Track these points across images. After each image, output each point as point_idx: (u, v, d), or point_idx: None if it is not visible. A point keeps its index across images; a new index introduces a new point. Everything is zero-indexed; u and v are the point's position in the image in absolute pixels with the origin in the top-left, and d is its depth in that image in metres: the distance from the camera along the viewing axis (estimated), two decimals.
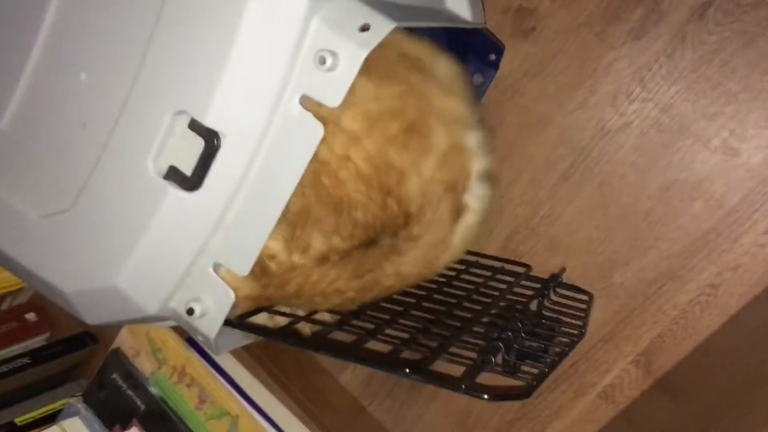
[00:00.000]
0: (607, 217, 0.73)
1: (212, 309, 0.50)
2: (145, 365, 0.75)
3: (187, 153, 0.46)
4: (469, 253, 0.76)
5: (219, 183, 0.47)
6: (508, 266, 0.75)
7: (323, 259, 0.52)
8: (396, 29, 0.44)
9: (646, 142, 0.70)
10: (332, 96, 0.44)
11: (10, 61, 0.50)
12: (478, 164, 0.55)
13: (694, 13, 0.67)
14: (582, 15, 0.72)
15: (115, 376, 0.74)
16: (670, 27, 0.68)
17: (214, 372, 0.73)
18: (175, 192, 0.47)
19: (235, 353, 0.75)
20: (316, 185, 0.47)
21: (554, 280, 0.72)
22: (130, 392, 0.73)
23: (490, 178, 0.57)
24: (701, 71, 0.67)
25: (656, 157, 0.70)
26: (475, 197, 0.55)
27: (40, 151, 0.50)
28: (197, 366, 0.73)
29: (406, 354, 0.51)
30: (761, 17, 0.65)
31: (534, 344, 0.56)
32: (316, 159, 0.46)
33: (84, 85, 0.49)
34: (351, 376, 0.86)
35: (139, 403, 0.73)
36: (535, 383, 0.50)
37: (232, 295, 0.49)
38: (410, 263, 0.54)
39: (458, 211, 0.55)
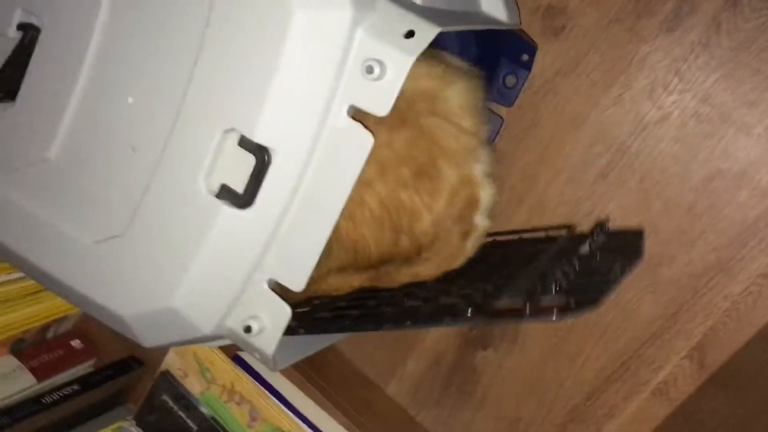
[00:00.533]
0: (650, 212, 0.72)
1: (269, 325, 0.49)
2: (194, 386, 0.75)
3: (238, 170, 0.46)
4: (510, 232, 0.76)
5: (271, 199, 0.47)
6: (552, 232, 0.74)
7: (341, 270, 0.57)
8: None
9: (687, 134, 0.69)
10: (381, 105, 0.44)
11: (57, 90, 0.51)
12: (486, 192, 0.58)
13: (728, 1, 0.66)
14: (612, 10, 0.71)
15: (165, 397, 0.74)
16: (703, 16, 0.67)
17: (263, 389, 0.73)
18: (228, 210, 0.47)
19: (283, 370, 0.75)
20: (336, 227, 0.48)
21: (600, 226, 0.70)
22: (181, 413, 0.73)
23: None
24: (739, 59, 0.67)
25: (698, 148, 0.69)
26: (483, 217, 0.59)
27: (90, 178, 0.51)
28: (246, 384, 0.73)
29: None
30: None
31: (593, 279, 0.54)
32: None
33: (131, 108, 0.49)
34: (397, 386, 0.86)
35: (190, 423, 0.73)
36: (602, 289, 0.48)
37: (289, 310, 0.49)
38: (425, 272, 0.58)
39: (467, 233, 0.58)
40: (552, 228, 0.75)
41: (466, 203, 0.56)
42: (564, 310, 0.45)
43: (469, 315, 0.47)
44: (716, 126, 0.68)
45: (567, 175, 0.75)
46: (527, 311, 0.45)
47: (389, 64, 0.44)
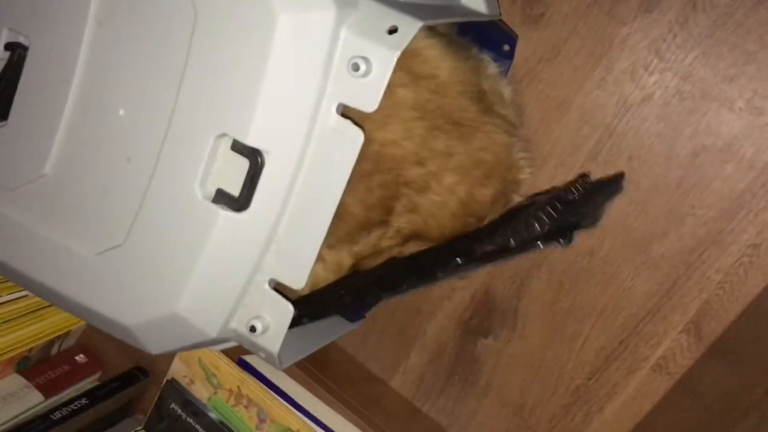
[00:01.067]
0: (640, 190, 0.73)
1: (273, 324, 0.50)
2: (201, 392, 0.75)
3: (232, 174, 0.47)
4: None
5: (267, 200, 0.47)
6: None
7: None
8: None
9: (670, 112, 0.70)
10: (368, 101, 0.45)
11: (49, 107, 0.51)
12: (524, 173, 0.66)
13: None
14: None
15: (173, 406, 0.75)
16: None
17: (269, 390, 0.74)
18: (225, 214, 0.47)
19: (288, 370, 0.76)
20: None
21: (583, 178, 0.71)
22: (190, 420, 0.74)
23: None
24: (716, 35, 0.68)
25: (682, 125, 0.70)
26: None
27: (87, 191, 0.51)
28: (252, 386, 0.73)
29: None
30: None
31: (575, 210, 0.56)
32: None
33: (123, 120, 0.50)
34: (402, 379, 0.87)
35: (200, 429, 0.74)
36: (585, 217, 0.50)
37: (291, 308, 0.50)
38: None
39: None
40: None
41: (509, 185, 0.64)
42: (548, 238, 0.47)
43: (459, 262, 0.48)
44: (698, 102, 0.69)
45: (556, 159, 0.76)
46: (512, 244, 0.47)
47: (374, 60, 0.44)
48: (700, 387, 0.70)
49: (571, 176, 0.76)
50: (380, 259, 0.63)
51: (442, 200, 0.58)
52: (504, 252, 0.51)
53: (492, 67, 0.66)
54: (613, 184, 0.65)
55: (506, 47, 0.73)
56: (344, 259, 0.58)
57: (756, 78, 0.67)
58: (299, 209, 0.48)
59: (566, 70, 0.74)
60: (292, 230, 0.48)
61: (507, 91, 0.68)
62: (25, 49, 0.53)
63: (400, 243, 0.60)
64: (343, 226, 0.56)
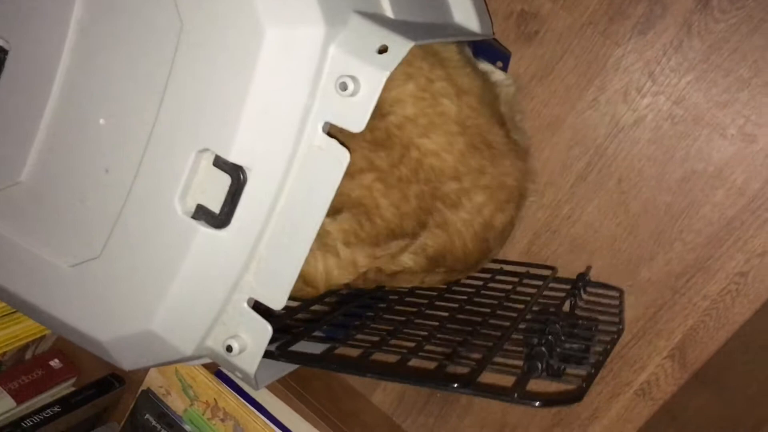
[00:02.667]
0: (629, 213, 0.72)
1: (250, 344, 0.49)
2: (176, 403, 0.74)
3: (213, 190, 0.46)
4: (493, 260, 0.76)
5: (248, 218, 0.46)
6: (533, 270, 0.75)
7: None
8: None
9: (662, 135, 0.70)
10: (356, 121, 0.44)
11: (28, 113, 0.50)
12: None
13: (698, 3, 0.67)
14: (585, 14, 0.72)
15: (147, 416, 0.73)
16: (675, 18, 0.68)
17: (247, 404, 0.73)
18: (204, 230, 0.46)
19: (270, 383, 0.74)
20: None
21: (582, 280, 0.71)
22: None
23: None
24: (711, 60, 0.67)
25: (673, 149, 0.70)
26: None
27: (64, 201, 0.50)
28: (230, 399, 0.72)
29: (450, 369, 0.51)
30: (766, 1, 0.64)
31: (575, 345, 0.56)
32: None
33: (103, 130, 0.48)
34: (383, 395, 0.85)
35: None
36: (585, 385, 0.50)
37: (270, 329, 0.48)
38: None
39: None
40: (534, 265, 0.76)
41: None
42: (549, 403, 0.48)
43: (456, 386, 0.47)
44: (690, 127, 0.69)
45: (546, 178, 0.75)
46: (515, 396, 0.46)
47: (363, 79, 0.43)
48: (683, 414, 0.70)
49: (560, 195, 0.75)
50: (396, 282, 0.62)
51: (470, 219, 0.58)
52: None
53: (506, 90, 0.65)
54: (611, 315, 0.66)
55: (499, 64, 0.72)
56: (360, 260, 0.57)
57: (749, 105, 0.66)
58: (281, 228, 0.47)
59: (559, 88, 0.74)
60: (273, 249, 0.47)
61: (518, 117, 0.67)
62: (5, 52, 0.51)
63: (422, 266, 0.59)
64: (370, 227, 0.55)
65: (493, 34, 0.66)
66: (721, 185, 0.68)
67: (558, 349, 0.54)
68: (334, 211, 0.45)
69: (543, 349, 0.52)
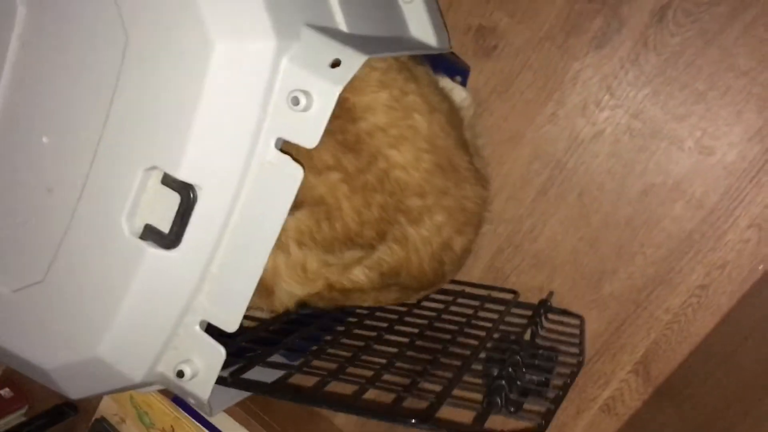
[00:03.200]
0: (590, 227, 0.72)
1: (203, 369, 0.47)
2: (132, 431, 0.71)
3: (162, 210, 0.44)
4: (455, 282, 0.75)
5: (199, 237, 0.44)
6: (495, 293, 0.74)
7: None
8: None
9: (621, 149, 0.70)
10: (308, 137, 0.43)
11: None
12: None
13: (653, 17, 0.67)
14: (542, 29, 0.72)
15: None
16: (631, 33, 0.68)
17: (205, 429, 0.70)
18: (153, 251, 0.44)
19: (227, 408, 0.72)
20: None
21: (544, 306, 0.70)
22: None
23: None
24: (667, 73, 0.68)
25: (632, 162, 0.70)
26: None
27: (5, 222, 0.48)
28: (187, 426, 0.70)
29: (409, 400, 0.50)
30: (719, 14, 0.65)
31: (535, 377, 0.55)
32: None
33: (46, 148, 0.46)
34: (346, 418, 0.83)
35: None
36: (544, 422, 0.49)
37: (223, 352, 0.47)
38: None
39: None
40: (496, 288, 0.75)
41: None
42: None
43: (414, 422, 0.46)
44: (648, 141, 0.69)
45: (507, 193, 0.75)
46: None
47: (316, 94, 0.42)
48: (648, 429, 0.69)
49: (522, 209, 0.74)
50: (348, 301, 0.61)
51: (429, 237, 0.58)
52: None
53: (467, 113, 0.65)
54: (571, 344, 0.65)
55: (458, 79, 0.72)
56: (310, 265, 0.55)
57: (705, 117, 0.67)
58: (234, 247, 0.45)
59: (518, 103, 0.74)
60: (226, 269, 0.46)
61: (480, 142, 0.67)
62: None
63: (375, 283, 0.58)
64: (328, 230, 0.54)
65: (451, 47, 0.66)
66: (680, 198, 0.68)
67: (518, 382, 0.53)
68: (294, 206, 0.43)
69: (503, 382, 0.51)
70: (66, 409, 0.80)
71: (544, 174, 0.73)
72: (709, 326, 0.69)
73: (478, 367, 0.57)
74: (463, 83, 0.72)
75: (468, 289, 0.74)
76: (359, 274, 0.57)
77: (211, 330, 0.47)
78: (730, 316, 0.67)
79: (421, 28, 0.60)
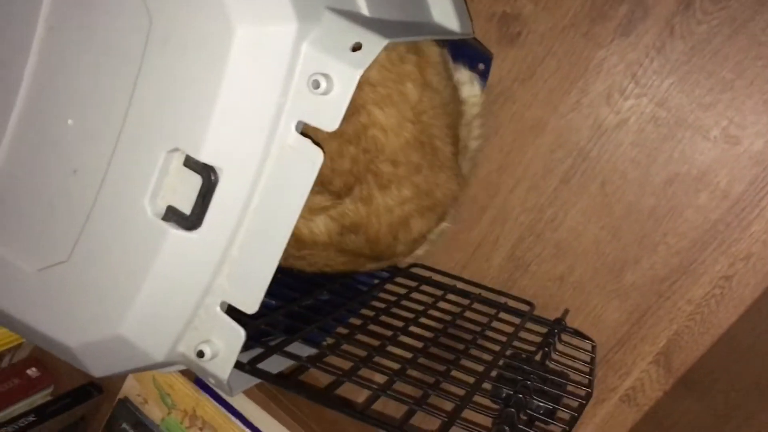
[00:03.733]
0: (612, 216, 0.72)
1: (223, 349, 0.48)
2: (154, 412, 0.72)
3: (184, 191, 0.45)
4: (472, 284, 0.75)
5: (220, 219, 0.45)
6: (512, 302, 0.74)
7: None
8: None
9: (645, 138, 0.69)
10: (329, 120, 0.43)
11: None
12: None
13: (680, 4, 0.66)
14: (567, 16, 0.71)
15: (124, 426, 0.72)
16: (657, 20, 0.67)
17: (226, 412, 0.71)
18: (175, 232, 0.45)
19: (246, 391, 0.73)
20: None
21: (558, 325, 0.70)
22: None
23: None
24: (693, 62, 0.67)
25: (656, 151, 0.69)
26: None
27: (31, 203, 0.49)
28: (208, 408, 0.71)
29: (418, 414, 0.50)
30: (748, 2, 0.64)
31: (542, 405, 0.55)
32: None
33: (71, 130, 0.47)
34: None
35: None
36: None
37: (243, 333, 0.47)
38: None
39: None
40: (513, 297, 0.75)
41: None
42: None
43: None
44: (673, 129, 0.68)
45: (529, 182, 0.75)
46: None
47: (336, 78, 0.42)
48: (668, 420, 0.69)
49: (543, 198, 0.74)
50: (297, 261, 0.61)
51: (392, 207, 0.58)
52: None
53: (471, 110, 0.65)
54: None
55: (481, 66, 0.71)
56: None
57: (732, 106, 0.66)
58: (254, 230, 0.46)
59: (542, 91, 0.73)
60: (246, 251, 0.46)
61: (474, 144, 0.67)
62: None
63: (334, 237, 0.59)
64: None
65: (473, 33, 0.66)
66: (705, 188, 0.68)
67: (527, 409, 0.53)
68: None
69: (512, 410, 0.51)
70: (91, 389, 0.81)
71: (567, 163, 0.73)
72: (732, 318, 0.68)
73: (488, 386, 0.57)
74: (486, 70, 0.72)
75: (485, 293, 0.74)
76: (321, 225, 0.57)
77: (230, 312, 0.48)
78: (754, 307, 0.67)
79: (444, 14, 0.60)
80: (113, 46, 0.46)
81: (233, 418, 0.71)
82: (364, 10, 0.48)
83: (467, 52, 0.71)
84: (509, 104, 0.74)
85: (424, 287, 0.74)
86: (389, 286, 0.72)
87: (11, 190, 0.49)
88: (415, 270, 0.78)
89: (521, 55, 0.73)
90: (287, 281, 0.65)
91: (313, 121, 0.43)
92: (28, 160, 0.49)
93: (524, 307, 0.73)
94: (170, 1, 0.43)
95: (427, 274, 0.77)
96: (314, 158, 0.44)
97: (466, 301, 0.72)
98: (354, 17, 0.45)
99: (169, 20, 0.43)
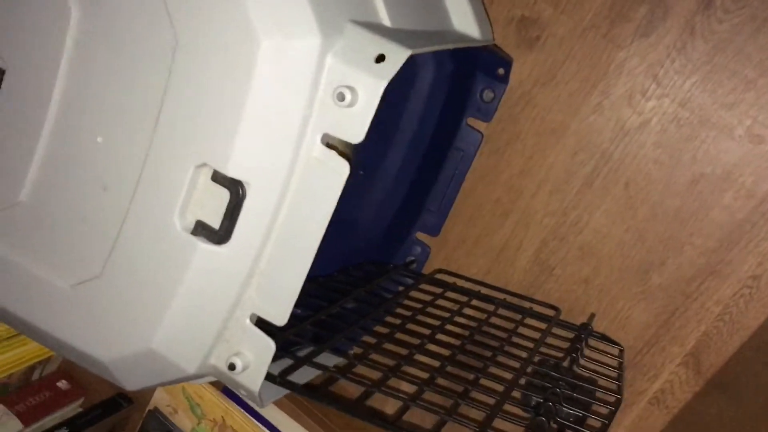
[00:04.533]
0: (637, 218, 0.71)
1: (253, 361, 0.48)
2: (184, 422, 0.73)
3: (212, 206, 0.45)
4: (496, 288, 0.75)
5: (248, 233, 0.46)
6: (537, 307, 0.74)
7: None
8: None
9: (668, 138, 0.69)
10: (354, 132, 0.43)
11: (25, 132, 0.50)
12: None
13: (701, 3, 0.66)
14: (586, 18, 0.71)
15: None
16: (677, 20, 0.67)
17: (255, 421, 0.72)
18: (204, 247, 0.46)
19: (276, 400, 0.73)
20: None
21: (585, 330, 0.70)
22: None
23: None
24: (715, 61, 0.66)
25: (680, 152, 0.69)
26: None
27: (63, 219, 0.50)
28: (237, 417, 0.71)
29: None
30: None
31: (572, 412, 0.55)
32: None
33: (101, 147, 0.48)
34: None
35: None
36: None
37: (273, 345, 0.48)
38: None
39: None
40: (538, 302, 0.75)
41: None
42: None
43: None
44: (697, 129, 0.68)
45: (551, 185, 0.74)
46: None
47: (361, 89, 0.43)
48: (699, 422, 0.68)
49: (567, 202, 0.74)
50: None
51: None
52: None
53: None
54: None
55: (501, 71, 0.72)
56: None
57: (756, 105, 0.65)
58: (282, 242, 0.46)
59: (562, 94, 0.73)
60: (275, 264, 0.47)
61: None
62: (2, 72, 0.51)
63: None
64: None
65: (494, 39, 0.66)
66: (730, 187, 0.67)
67: (557, 417, 0.53)
68: None
69: (543, 418, 0.51)
70: (120, 400, 0.82)
71: (589, 165, 0.73)
72: (762, 317, 0.67)
73: (516, 394, 0.57)
74: (506, 76, 0.72)
75: (509, 298, 0.74)
76: None
77: (260, 324, 0.48)
78: None
79: (464, 21, 0.60)
80: (140, 62, 0.46)
81: (262, 427, 0.71)
82: (386, 21, 0.48)
83: (486, 57, 0.71)
84: (530, 108, 0.74)
85: (449, 293, 0.74)
86: (414, 293, 0.72)
87: (44, 207, 0.50)
88: (439, 276, 0.78)
89: (541, 58, 0.73)
90: (311, 289, 0.66)
91: (339, 133, 0.44)
92: (60, 177, 0.49)
93: (550, 312, 0.73)
94: (196, 16, 0.44)
95: (451, 279, 0.77)
96: (341, 170, 0.44)
97: (491, 307, 0.72)
98: (376, 28, 0.45)
99: (195, 35, 0.44)
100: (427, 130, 0.76)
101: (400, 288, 0.73)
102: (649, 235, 0.71)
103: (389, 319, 0.67)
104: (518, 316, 0.71)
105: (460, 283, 0.77)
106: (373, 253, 0.78)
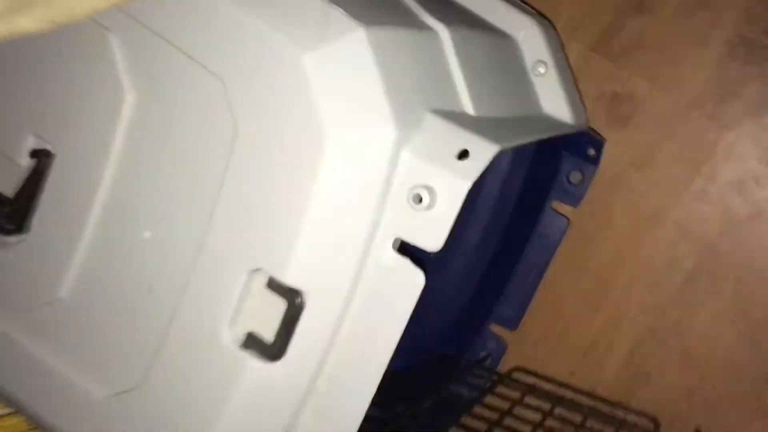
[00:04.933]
0: (750, 320, 0.62)
1: None
2: None
3: (266, 316, 0.40)
4: (585, 394, 0.67)
5: (306, 348, 0.40)
6: (631, 417, 0.65)
7: None
8: None
9: None
10: (432, 239, 0.37)
11: (70, 223, 0.46)
12: None
13: None
14: (687, 95, 0.64)
15: None
16: None
17: None
18: (255, 363, 0.40)
19: None
20: None
21: None
22: None
23: None
24: None
25: None
26: None
27: (103, 321, 0.45)
28: None
29: None
30: None
31: None
32: None
33: (148, 244, 0.43)
34: None
35: None
36: None
37: None
38: None
39: None
40: (632, 410, 0.66)
41: None
42: None
43: None
44: None
45: (648, 279, 0.66)
46: None
47: (440, 190, 0.37)
48: None
49: (666, 298, 0.65)
50: None
51: None
52: None
53: None
54: None
55: (591, 151, 0.65)
56: None
57: None
58: (344, 361, 0.40)
59: (660, 177, 0.65)
60: (334, 385, 0.40)
61: None
62: (50, 156, 0.47)
63: None
64: None
65: (588, 124, 0.59)
66: None
67: None
68: None
69: None
70: None
71: (693, 258, 0.64)
72: None
73: None
74: (597, 157, 0.65)
75: (599, 405, 0.66)
76: None
77: None
78: None
79: (555, 104, 0.54)
80: (195, 152, 0.42)
81: None
82: (469, 109, 0.43)
83: (574, 136, 0.64)
84: (623, 192, 0.67)
85: (528, 399, 0.66)
86: (489, 399, 0.64)
87: (83, 306, 0.46)
88: (516, 375, 0.70)
89: (635, 138, 0.66)
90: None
91: (414, 240, 0.38)
92: (102, 274, 0.45)
93: (648, 424, 0.64)
94: (258, 105, 0.39)
95: (530, 380, 0.69)
96: (415, 281, 0.38)
97: (578, 417, 0.64)
98: (459, 119, 0.40)
99: (257, 128, 0.39)
100: (506, 213, 0.70)
101: (475, 393, 0.65)
102: (765, 341, 0.62)
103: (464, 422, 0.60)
104: (611, 429, 0.62)
105: (541, 384, 0.69)
106: (442, 346, 0.71)
